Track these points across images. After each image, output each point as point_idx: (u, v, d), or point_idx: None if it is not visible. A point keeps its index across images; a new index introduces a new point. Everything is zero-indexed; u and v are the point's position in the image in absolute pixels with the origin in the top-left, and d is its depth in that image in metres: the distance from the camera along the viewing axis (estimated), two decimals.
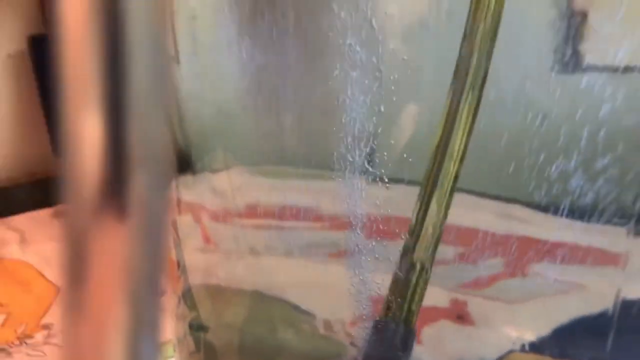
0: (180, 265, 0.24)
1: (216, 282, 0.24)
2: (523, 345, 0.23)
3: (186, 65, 0.24)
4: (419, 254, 0.20)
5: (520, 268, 0.21)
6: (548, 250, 0.21)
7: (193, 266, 0.24)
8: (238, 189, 0.24)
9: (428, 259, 0.20)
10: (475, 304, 0.23)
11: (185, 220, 0.24)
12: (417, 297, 0.20)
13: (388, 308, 0.19)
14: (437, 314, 0.23)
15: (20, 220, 0.47)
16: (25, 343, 0.35)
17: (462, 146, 0.19)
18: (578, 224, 0.20)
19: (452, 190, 0.19)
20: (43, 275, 0.41)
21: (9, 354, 0.34)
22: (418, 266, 0.19)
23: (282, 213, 0.23)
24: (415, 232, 0.19)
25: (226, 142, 0.24)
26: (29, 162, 0.48)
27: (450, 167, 0.19)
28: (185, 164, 0.26)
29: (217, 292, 0.24)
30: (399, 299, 0.20)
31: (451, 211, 0.20)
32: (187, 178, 0.25)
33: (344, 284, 0.22)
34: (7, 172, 0.47)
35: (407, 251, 0.20)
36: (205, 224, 0.24)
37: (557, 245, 0.20)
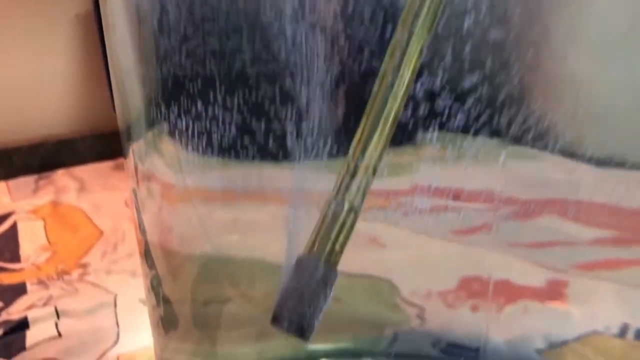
0: (140, 227, 0.25)
1: (169, 245, 0.25)
2: (608, 328, 0.23)
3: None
4: (351, 194, 0.19)
5: None
6: None
7: (150, 228, 0.25)
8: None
9: (358, 200, 0.19)
10: (579, 285, 0.22)
11: (143, 186, 0.25)
12: (342, 238, 0.19)
13: (312, 245, 0.19)
14: (526, 292, 0.23)
15: (83, 170, 0.50)
16: (62, 278, 0.38)
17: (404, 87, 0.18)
18: None
19: (390, 132, 0.19)
20: (91, 221, 0.44)
21: (46, 286, 0.37)
22: (347, 206, 0.19)
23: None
24: (351, 171, 0.19)
25: None
26: (93, 116, 0.49)
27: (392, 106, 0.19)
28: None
29: (170, 254, 0.25)
30: (323, 238, 0.20)
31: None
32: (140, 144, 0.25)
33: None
34: (72, 126, 0.48)
35: (340, 190, 0.20)
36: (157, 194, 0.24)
37: None
